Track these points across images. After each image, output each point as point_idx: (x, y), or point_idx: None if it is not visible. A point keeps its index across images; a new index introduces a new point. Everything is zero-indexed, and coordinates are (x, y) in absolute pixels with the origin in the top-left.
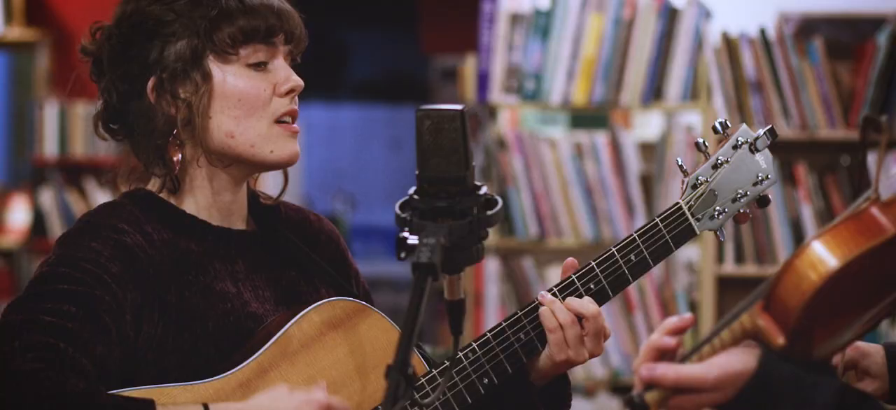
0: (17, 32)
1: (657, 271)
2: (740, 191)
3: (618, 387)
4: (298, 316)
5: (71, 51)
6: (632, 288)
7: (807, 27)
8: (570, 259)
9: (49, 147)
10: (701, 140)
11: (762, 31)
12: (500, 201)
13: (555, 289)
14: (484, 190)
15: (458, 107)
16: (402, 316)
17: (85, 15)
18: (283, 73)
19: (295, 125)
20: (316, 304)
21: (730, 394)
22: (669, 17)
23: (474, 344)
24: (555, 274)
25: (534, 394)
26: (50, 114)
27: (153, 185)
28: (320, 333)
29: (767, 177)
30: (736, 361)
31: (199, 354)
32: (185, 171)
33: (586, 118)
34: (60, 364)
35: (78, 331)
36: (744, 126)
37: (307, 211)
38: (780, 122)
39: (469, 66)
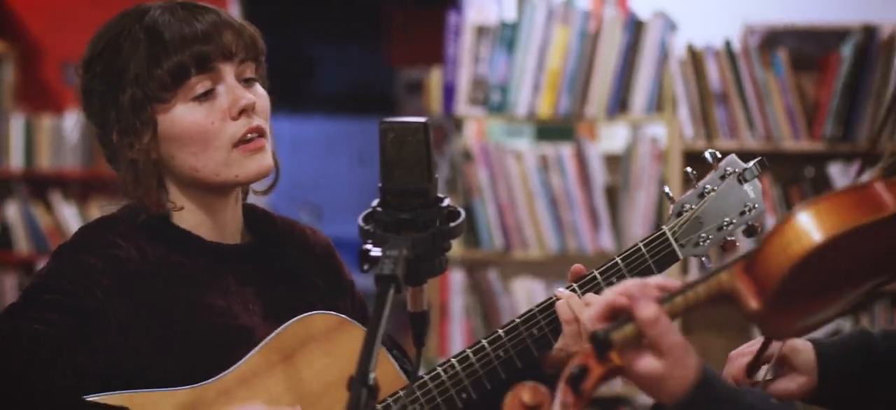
0: None
1: None
2: (727, 219)
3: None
4: (280, 329)
5: (37, 64)
6: None
7: (772, 39)
8: (577, 265)
9: (14, 160)
10: (690, 169)
11: (727, 43)
12: (463, 213)
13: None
14: (447, 202)
15: (422, 119)
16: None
17: (51, 28)
18: (230, 97)
19: (258, 141)
20: (298, 317)
21: (676, 379)
22: (635, 30)
23: (484, 341)
24: (520, 286)
25: (545, 383)
26: (15, 127)
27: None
28: (301, 345)
29: (755, 207)
30: (691, 350)
31: (187, 366)
32: (171, 199)
33: (552, 130)
34: (43, 370)
35: (61, 340)
36: (732, 156)
37: (303, 224)
38: (744, 134)
39: (435, 79)
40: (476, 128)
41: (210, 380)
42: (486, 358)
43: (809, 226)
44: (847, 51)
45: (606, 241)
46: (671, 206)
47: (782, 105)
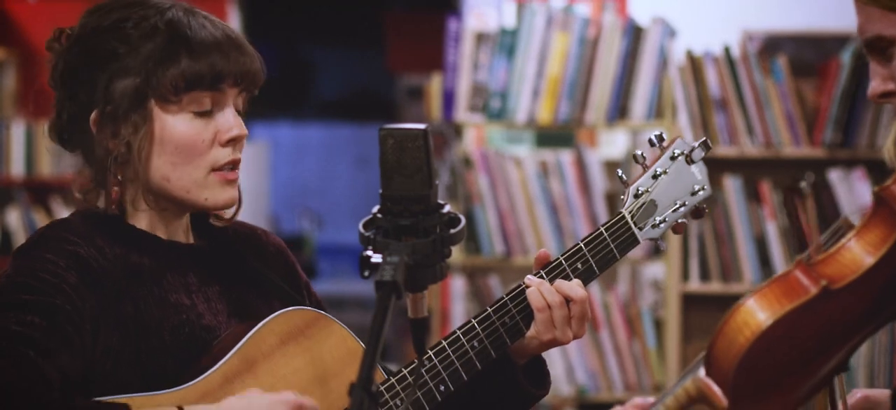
0: None
1: (622, 288)
2: (679, 200)
3: (584, 404)
4: (258, 327)
5: (38, 70)
6: (598, 306)
7: (771, 45)
8: (543, 250)
9: (15, 167)
10: (639, 152)
11: (726, 50)
12: (463, 219)
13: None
14: (447, 208)
15: (421, 126)
16: (367, 333)
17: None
18: (226, 122)
19: (234, 173)
20: (275, 314)
21: None
22: (634, 36)
23: (458, 332)
24: None
25: (517, 371)
26: (16, 134)
27: (102, 203)
28: (281, 343)
29: (703, 189)
30: None
31: (155, 364)
32: (127, 199)
33: (552, 136)
34: (33, 375)
35: (44, 341)
36: (679, 138)
37: (253, 226)
38: (744, 140)
39: (435, 85)
40: (476, 135)
41: (192, 382)
42: (461, 349)
43: (745, 320)
44: (846, 57)
45: None
46: (626, 189)
47: (782, 111)
